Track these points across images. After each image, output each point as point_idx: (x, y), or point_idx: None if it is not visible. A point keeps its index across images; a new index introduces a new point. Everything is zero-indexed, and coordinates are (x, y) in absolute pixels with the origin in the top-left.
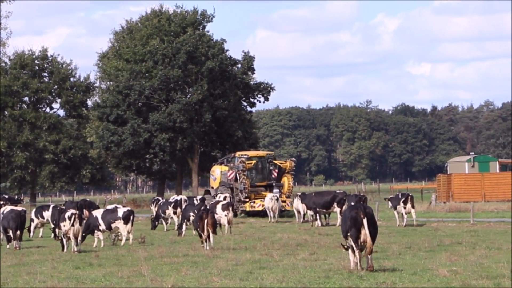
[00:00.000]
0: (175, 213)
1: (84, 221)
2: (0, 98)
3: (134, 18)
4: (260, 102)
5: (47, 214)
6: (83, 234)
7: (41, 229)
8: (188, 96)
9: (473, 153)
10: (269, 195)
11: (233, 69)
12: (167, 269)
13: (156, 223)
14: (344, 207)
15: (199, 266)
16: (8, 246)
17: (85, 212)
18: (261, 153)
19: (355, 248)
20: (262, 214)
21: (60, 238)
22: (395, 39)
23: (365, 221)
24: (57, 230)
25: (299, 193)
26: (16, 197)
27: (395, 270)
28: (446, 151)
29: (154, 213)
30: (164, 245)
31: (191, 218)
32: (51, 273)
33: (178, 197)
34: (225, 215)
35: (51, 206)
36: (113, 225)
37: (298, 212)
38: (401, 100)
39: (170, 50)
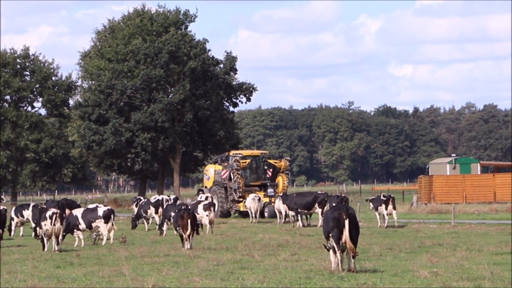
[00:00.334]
0: (156, 212)
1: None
2: None
3: (117, 17)
4: (242, 102)
5: (27, 213)
6: (63, 233)
7: (21, 228)
8: (170, 96)
9: (454, 154)
10: (250, 195)
11: (215, 69)
12: (148, 268)
13: (137, 222)
14: (325, 208)
15: (180, 266)
16: None
17: (67, 211)
18: (255, 152)
19: (336, 249)
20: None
21: (40, 237)
22: (377, 40)
23: (347, 222)
24: (38, 229)
25: (281, 194)
26: None
27: (376, 271)
28: (427, 153)
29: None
30: (145, 244)
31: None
32: (31, 272)
33: (160, 197)
34: (207, 215)
35: (31, 205)
36: (93, 224)
37: (280, 212)
38: (383, 102)
39: (152, 50)
